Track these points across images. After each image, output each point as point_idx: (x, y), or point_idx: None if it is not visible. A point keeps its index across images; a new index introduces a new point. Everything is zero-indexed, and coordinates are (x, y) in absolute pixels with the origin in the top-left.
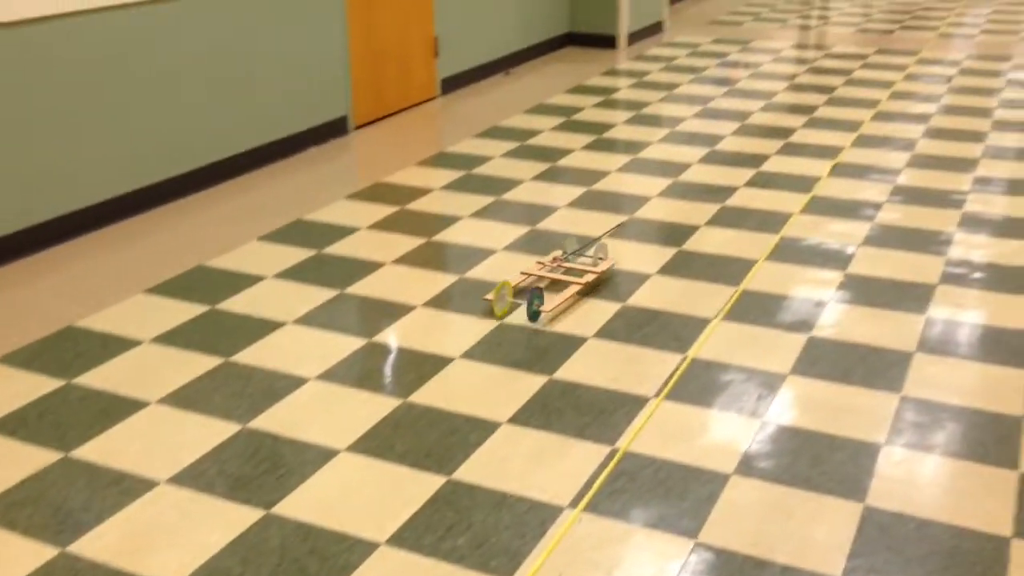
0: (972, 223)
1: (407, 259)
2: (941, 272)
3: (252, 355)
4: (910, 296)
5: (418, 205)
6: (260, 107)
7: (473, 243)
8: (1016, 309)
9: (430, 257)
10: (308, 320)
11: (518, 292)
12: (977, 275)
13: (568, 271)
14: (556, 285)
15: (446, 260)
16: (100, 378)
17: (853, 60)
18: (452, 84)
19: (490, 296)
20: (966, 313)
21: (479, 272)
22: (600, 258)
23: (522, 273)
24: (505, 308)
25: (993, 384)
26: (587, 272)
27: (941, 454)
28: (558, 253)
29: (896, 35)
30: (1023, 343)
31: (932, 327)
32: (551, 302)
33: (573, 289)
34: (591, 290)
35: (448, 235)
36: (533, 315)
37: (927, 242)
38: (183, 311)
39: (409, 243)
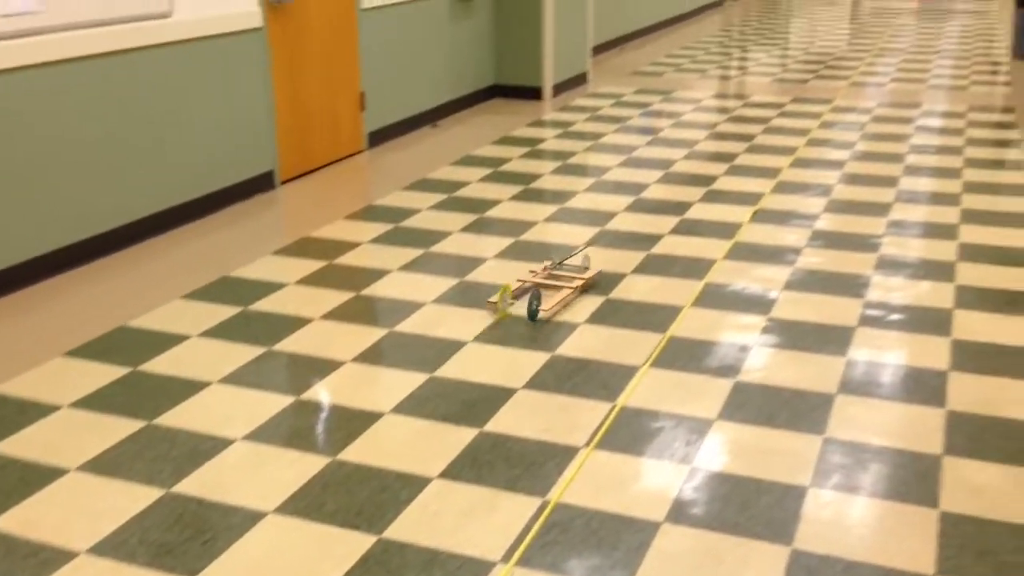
0: (888, 266)
1: (335, 314)
2: (860, 314)
3: (176, 417)
4: (831, 339)
5: (346, 259)
6: (181, 165)
7: (402, 296)
8: (931, 349)
9: (359, 311)
10: (234, 379)
11: (518, 295)
12: (894, 316)
13: (558, 277)
14: (549, 289)
15: (375, 314)
16: (17, 446)
17: (771, 109)
18: (379, 137)
19: (494, 299)
20: (884, 354)
21: (408, 325)
22: (585, 267)
23: (519, 280)
24: (507, 310)
25: (912, 423)
26: (576, 278)
27: (864, 494)
28: (547, 263)
29: (811, 84)
30: (939, 382)
31: (853, 368)
32: (547, 301)
33: (565, 292)
34: (580, 293)
35: (377, 289)
36: (532, 314)
37: (846, 285)
38: (104, 374)
39: (337, 298)
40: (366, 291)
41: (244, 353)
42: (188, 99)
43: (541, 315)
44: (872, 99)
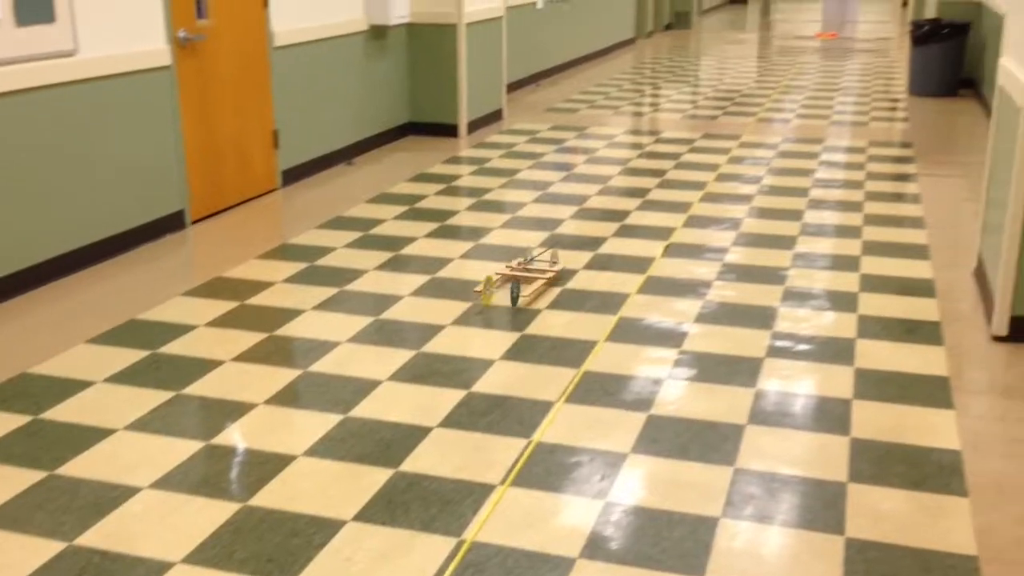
0: (794, 297)
1: (248, 355)
2: (768, 346)
3: (79, 466)
4: (741, 370)
5: (259, 299)
6: (86, 205)
7: (316, 336)
8: (836, 378)
9: (272, 352)
10: (141, 425)
11: (501, 284)
12: (800, 347)
13: (531, 271)
14: (525, 280)
15: (289, 354)
16: None
17: (682, 144)
18: (293, 175)
19: (479, 288)
20: (791, 384)
21: (322, 365)
22: (554, 262)
23: (497, 273)
24: (492, 296)
25: (818, 451)
26: (547, 271)
27: (774, 523)
28: (521, 259)
29: (720, 120)
30: (844, 410)
31: (762, 399)
32: (525, 289)
33: (540, 282)
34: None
35: (290, 329)
36: (514, 300)
37: (755, 317)
38: (4, 423)
39: (250, 339)
40: (279, 331)
41: (152, 398)
42: (93, 138)
43: (521, 301)
44: (778, 135)
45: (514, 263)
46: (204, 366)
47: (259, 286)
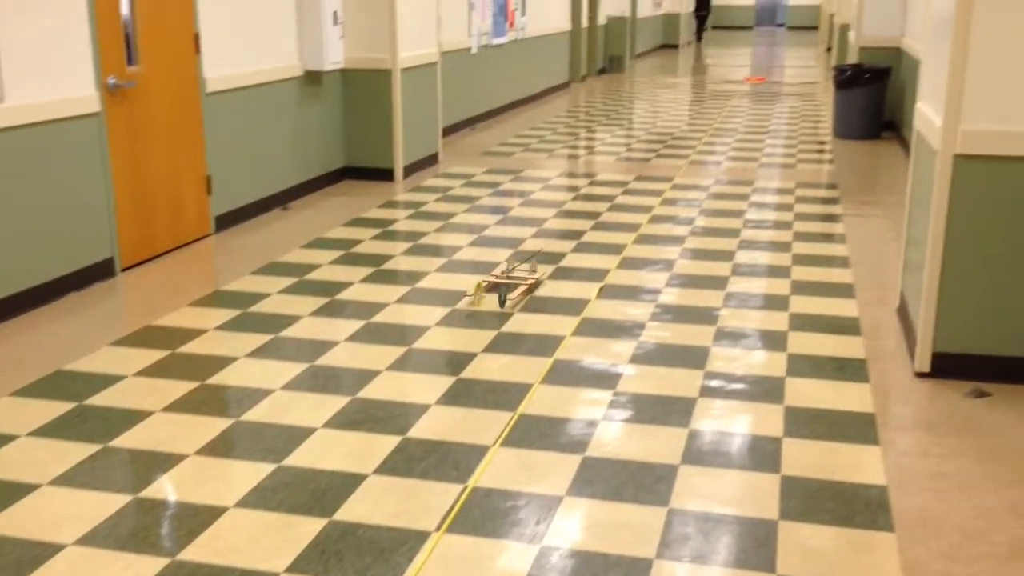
0: (726, 337)
1: (178, 405)
2: (701, 385)
3: (1, 524)
4: (675, 410)
5: (191, 348)
6: (11, 253)
7: (249, 384)
8: (767, 416)
9: (203, 401)
10: (66, 480)
11: (489, 290)
12: (732, 386)
13: (515, 278)
14: (511, 285)
15: (221, 403)
16: None
17: (616, 187)
18: (227, 221)
19: (471, 292)
20: (724, 423)
21: (255, 414)
22: (533, 271)
23: (484, 280)
24: (481, 300)
25: (750, 490)
26: (528, 278)
27: (707, 563)
28: (504, 267)
29: (653, 163)
30: (774, 448)
31: (695, 439)
32: (512, 293)
33: (522, 287)
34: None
35: (223, 377)
36: (502, 302)
37: (688, 357)
38: None
39: (180, 388)
40: (211, 380)
41: (78, 451)
42: (19, 186)
43: (508, 303)
44: (710, 177)
45: (498, 272)
46: (133, 417)
47: (191, 334)
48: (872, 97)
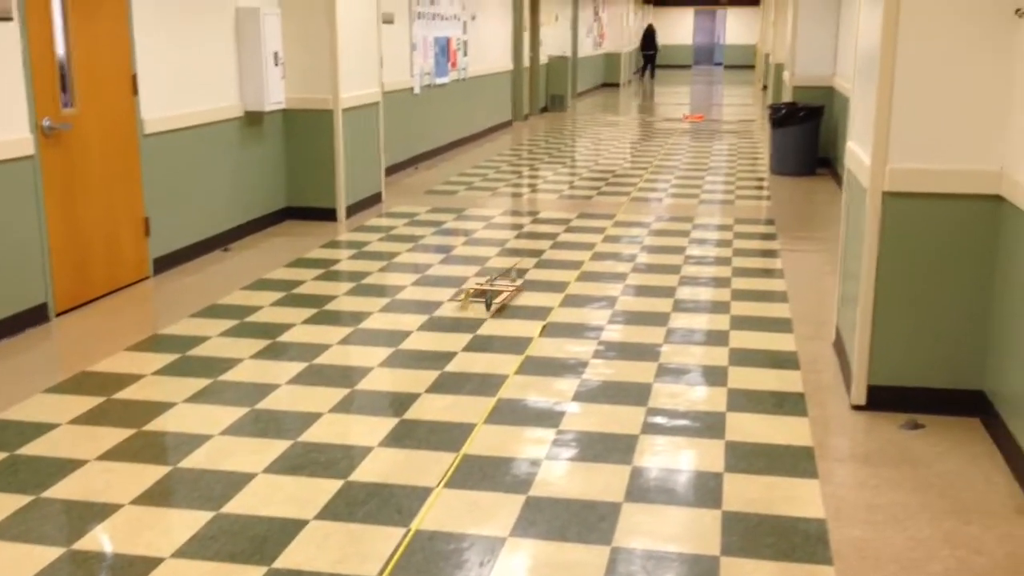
0: (668, 373)
1: (114, 453)
2: (643, 422)
3: None
4: (618, 447)
5: (127, 393)
6: None
7: (188, 430)
8: (708, 452)
9: (140, 449)
10: None
11: (475, 296)
12: (674, 422)
13: (499, 285)
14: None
15: (158, 450)
16: None
17: (558, 224)
18: (166, 263)
19: (460, 298)
20: (666, 460)
21: (194, 460)
22: (515, 279)
23: (471, 289)
24: (468, 305)
25: (692, 526)
26: (513, 286)
27: None
28: (488, 277)
29: (595, 200)
30: (716, 484)
31: (638, 476)
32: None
33: (506, 292)
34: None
35: (160, 424)
36: (488, 305)
37: (630, 394)
38: None
39: (116, 436)
40: (148, 426)
41: (9, 503)
42: None
43: (493, 306)
44: (651, 213)
45: (483, 281)
46: (66, 466)
47: (127, 379)
48: (806, 135)
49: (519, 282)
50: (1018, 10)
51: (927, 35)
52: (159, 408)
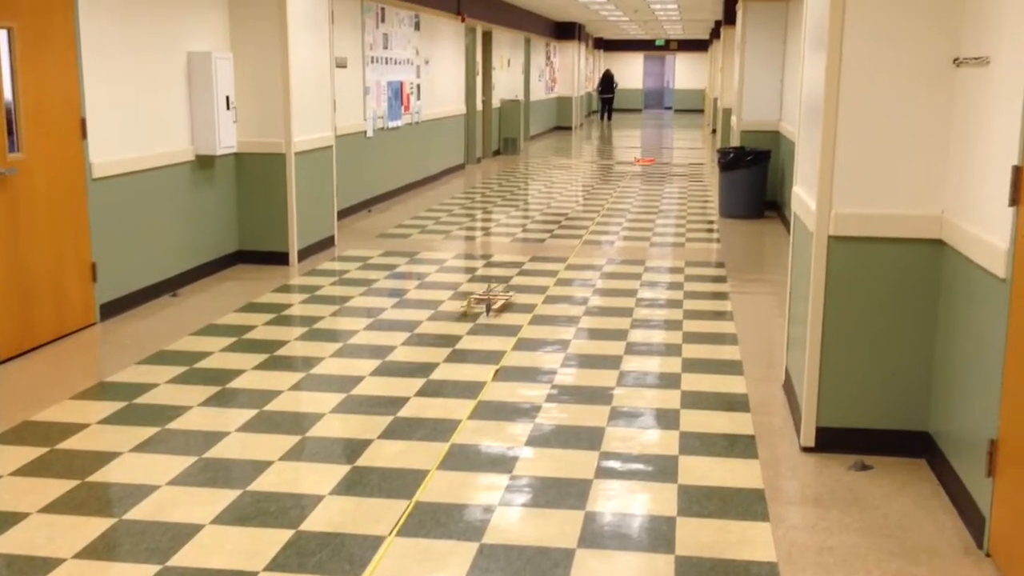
0: (621, 417)
1: (57, 506)
2: (596, 467)
3: None
4: (571, 493)
5: (71, 443)
6: None
7: (134, 480)
8: (661, 496)
9: (84, 501)
10: None
11: (477, 303)
12: (627, 466)
13: (495, 294)
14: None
15: (103, 502)
16: None
17: (511, 268)
18: (114, 308)
19: (464, 305)
20: (619, 504)
21: (140, 512)
22: (508, 291)
23: (472, 298)
24: (470, 310)
25: (646, 572)
26: (507, 295)
27: None
28: (485, 288)
29: (548, 243)
30: (668, 528)
31: (591, 521)
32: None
33: (501, 300)
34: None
35: (105, 474)
36: (488, 310)
37: (583, 438)
38: None
39: (60, 487)
40: (93, 477)
41: None
42: None
43: (492, 310)
44: (603, 256)
45: (481, 292)
46: (8, 520)
47: (71, 429)
48: (754, 178)
49: (511, 293)
50: (956, 60)
51: (869, 83)
52: (104, 458)
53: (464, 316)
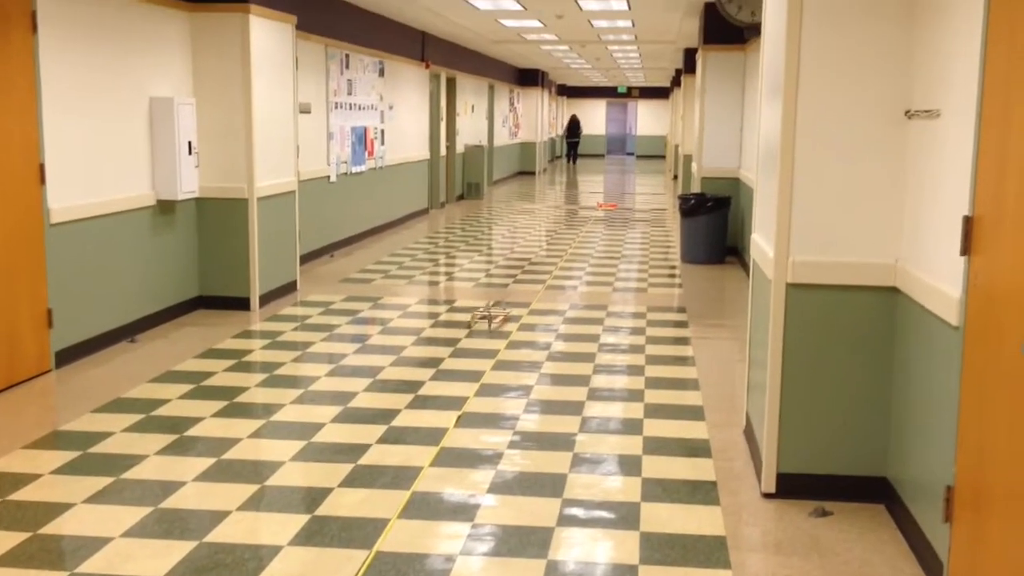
0: (583, 463)
1: (7, 559)
2: (558, 514)
3: None
4: (533, 541)
5: (23, 494)
6: None
7: (87, 532)
8: (624, 544)
9: (34, 554)
10: None
11: (480, 318)
12: (589, 514)
13: (494, 312)
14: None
15: (54, 555)
16: None
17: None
18: (69, 355)
19: (471, 318)
20: (581, 552)
21: (93, 565)
22: (506, 309)
23: (476, 314)
24: (477, 323)
25: None
26: (505, 312)
27: None
28: (484, 304)
29: (511, 288)
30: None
31: (553, 571)
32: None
33: (501, 316)
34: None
35: (58, 526)
36: (490, 324)
37: (545, 485)
38: None
39: (10, 540)
40: (45, 529)
41: None
42: None
43: (494, 324)
44: (565, 301)
45: (481, 309)
46: None
47: (23, 479)
48: (715, 224)
49: (508, 311)
50: (907, 112)
51: (824, 133)
52: (57, 509)
53: (470, 328)
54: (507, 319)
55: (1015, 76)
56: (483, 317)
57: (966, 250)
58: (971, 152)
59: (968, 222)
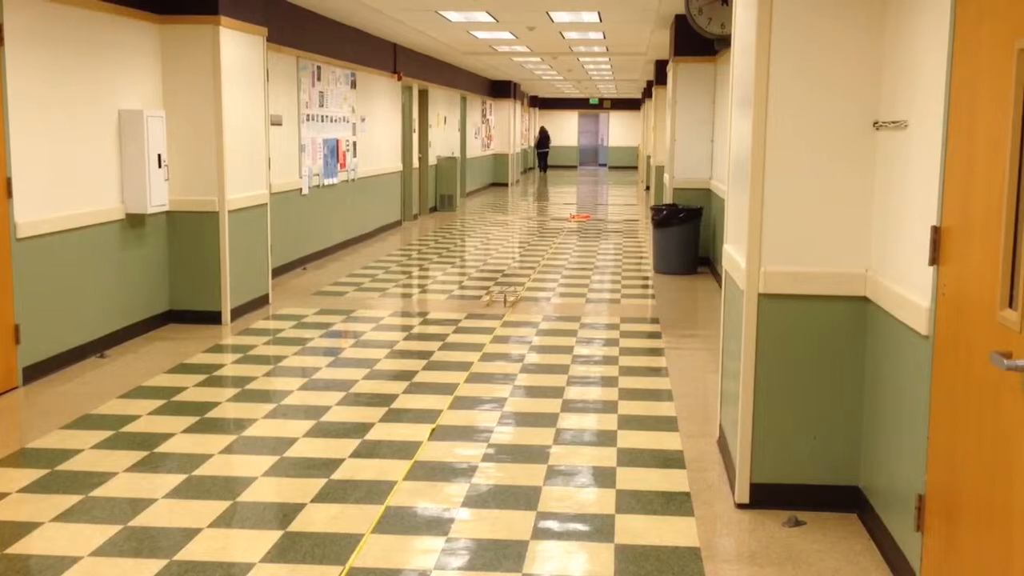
0: (557, 475)
1: None
2: (533, 527)
3: None
4: (508, 555)
5: None
6: None
7: (54, 552)
8: (598, 556)
9: (2, 574)
10: None
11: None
12: (564, 526)
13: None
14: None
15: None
16: None
17: (447, 325)
18: (36, 372)
19: (486, 296)
20: (556, 565)
21: None
22: (516, 289)
23: (490, 292)
24: (491, 302)
25: None
26: (515, 292)
27: None
28: (496, 288)
29: (483, 300)
30: None
31: None
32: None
33: (513, 296)
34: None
35: (24, 546)
36: (505, 302)
37: (520, 498)
38: None
39: None
40: (12, 549)
41: None
42: None
43: (509, 302)
44: (539, 313)
45: (494, 292)
46: None
47: None
48: (687, 235)
49: (517, 290)
50: (876, 123)
51: (794, 146)
52: (23, 529)
53: (488, 306)
54: (520, 299)
55: (981, 86)
56: (497, 298)
57: (935, 260)
58: (939, 162)
59: (936, 232)
